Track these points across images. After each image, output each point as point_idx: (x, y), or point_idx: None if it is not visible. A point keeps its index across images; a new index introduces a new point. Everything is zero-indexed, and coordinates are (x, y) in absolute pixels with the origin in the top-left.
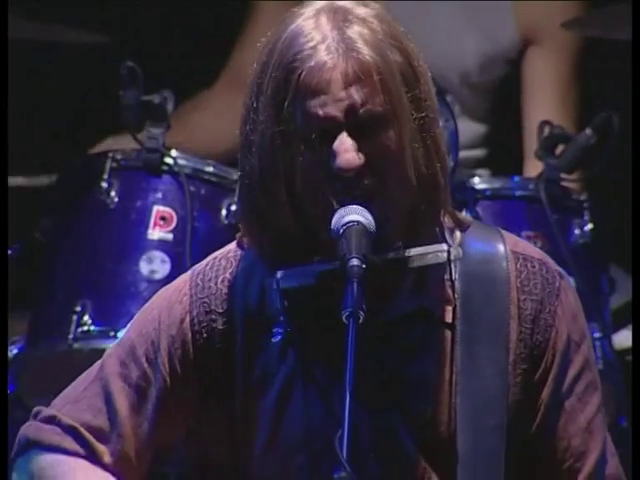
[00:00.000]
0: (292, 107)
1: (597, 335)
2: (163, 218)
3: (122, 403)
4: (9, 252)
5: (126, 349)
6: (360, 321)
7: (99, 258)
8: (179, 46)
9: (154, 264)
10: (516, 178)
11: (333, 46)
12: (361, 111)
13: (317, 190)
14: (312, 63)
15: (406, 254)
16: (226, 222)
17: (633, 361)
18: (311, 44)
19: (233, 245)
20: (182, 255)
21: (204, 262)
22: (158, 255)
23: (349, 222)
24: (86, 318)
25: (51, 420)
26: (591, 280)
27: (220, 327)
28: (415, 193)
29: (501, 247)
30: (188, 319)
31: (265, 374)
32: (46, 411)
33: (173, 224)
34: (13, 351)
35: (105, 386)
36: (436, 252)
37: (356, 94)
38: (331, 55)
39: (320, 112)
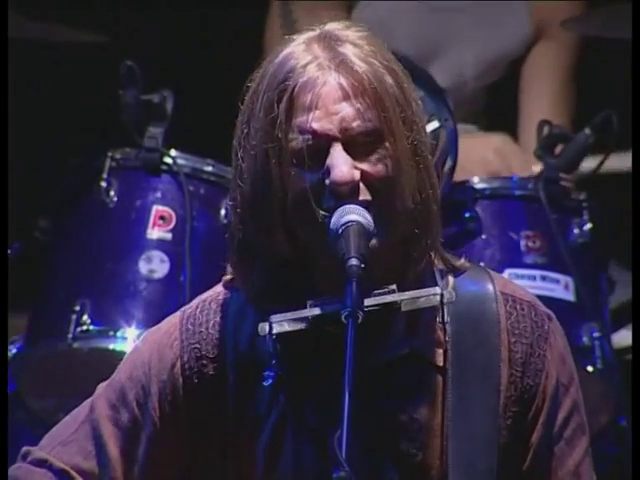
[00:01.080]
0: (285, 124)
1: (596, 335)
2: (162, 218)
3: (113, 447)
4: (9, 252)
5: (116, 392)
6: (359, 321)
7: (98, 258)
8: (178, 45)
9: (153, 263)
10: (515, 178)
11: (325, 63)
12: (355, 125)
13: (309, 209)
14: (304, 78)
15: (399, 297)
16: (225, 221)
17: (632, 360)
18: (302, 62)
19: (220, 287)
20: (181, 255)
21: (193, 304)
22: (157, 254)
23: (348, 222)
24: (85, 317)
25: (42, 464)
26: (590, 279)
27: (211, 372)
28: (409, 216)
29: (490, 288)
30: (179, 364)
31: (256, 417)
32: (36, 453)
33: (172, 224)
34: (13, 350)
35: (95, 429)
36: (429, 295)
37: (349, 108)
38: (322, 71)
39: (313, 127)
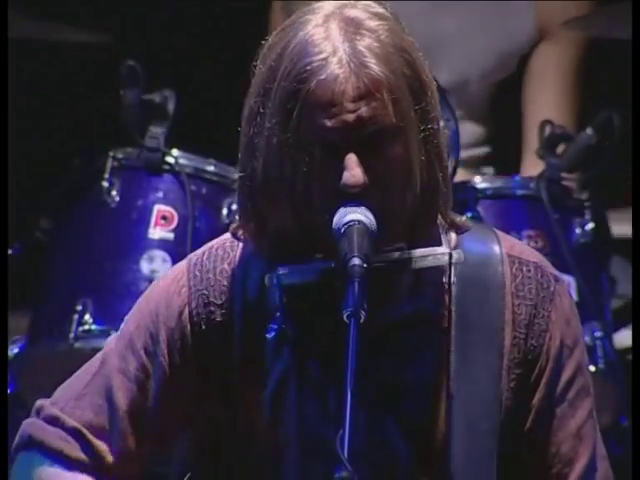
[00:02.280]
0: (300, 118)
1: (598, 334)
2: (164, 217)
3: (122, 398)
4: (10, 251)
5: (125, 342)
6: (361, 321)
7: (100, 257)
8: (180, 45)
9: (155, 263)
10: (517, 177)
11: (345, 59)
12: (369, 126)
13: (319, 202)
14: (323, 76)
15: (408, 255)
16: (227, 221)
17: (633, 360)
18: (322, 56)
19: (228, 235)
20: (183, 254)
21: (200, 252)
22: (159, 254)
23: (350, 221)
24: (87, 317)
25: (55, 422)
26: (592, 279)
27: (219, 319)
28: (417, 200)
29: (497, 249)
30: (187, 311)
31: (262, 368)
32: (49, 409)
33: (174, 223)
34: (14, 350)
35: (106, 382)
36: (437, 254)
37: (365, 108)
38: (343, 69)
39: (328, 125)
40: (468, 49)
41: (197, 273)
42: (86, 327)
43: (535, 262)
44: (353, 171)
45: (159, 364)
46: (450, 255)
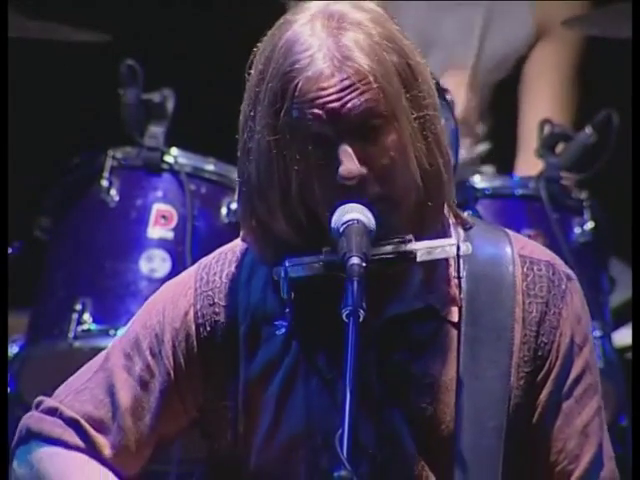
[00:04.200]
0: (289, 117)
1: (597, 333)
2: (163, 216)
3: (125, 395)
4: (9, 251)
5: (131, 341)
6: (360, 320)
7: (99, 256)
8: (179, 44)
9: (154, 262)
10: (516, 177)
11: (329, 55)
12: (359, 116)
13: (314, 200)
14: (309, 72)
15: (415, 247)
16: (226, 221)
17: (633, 359)
18: (308, 53)
19: (239, 240)
20: (182, 254)
21: (211, 256)
22: (158, 253)
23: (349, 220)
24: (86, 316)
25: (53, 412)
26: (591, 278)
27: (223, 320)
28: (419, 189)
29: (508, 250)
30: (192, 312)
31: (267, 366)
32: (48, 402)
33: (173, 222)
34: (13, 350)
35: (109, 378)
36: (445, 246)
37: (353, 100)
38: (327, 64)
39: (318, 119)
40: (465, 49)
41: (204, 275)
42: (85, 326)
43: (547, 260)
44: (348, 163)
45: (163, 365)
46: (458, 247)
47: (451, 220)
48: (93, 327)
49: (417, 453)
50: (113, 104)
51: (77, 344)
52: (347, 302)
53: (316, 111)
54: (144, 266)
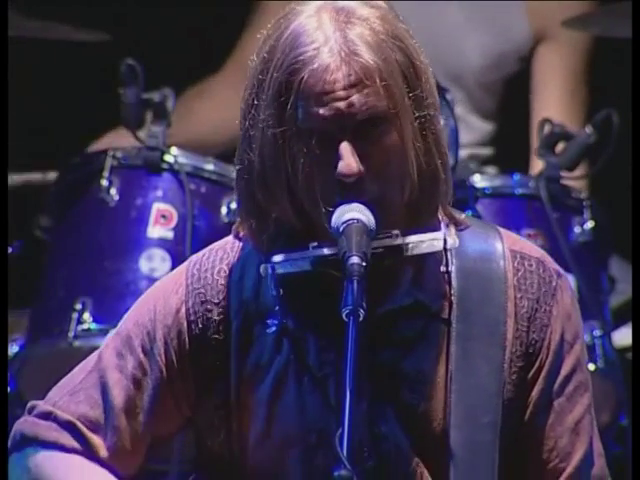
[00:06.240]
0: (294, 109)
1: (597, 333)
2: (163, 216)
3: (118, 395)
4: (9, 250)
5: (122, 340)
6: (360, 319)
7: (99, 256)
8: (179, 44)
9: (154, 262)
10: (516, 176)
11: (336, 48)
12: (362, 113)
13: (317, 192)
14: (315, 66)
15: (402, 241)
16: (226, 220)
17: (633, 359)
18: (314, 46)
19: (230, 237)
20: (182, 253)
21: (201, 253)
22: (158, 253)
23: (349, 220)
24: (86, 316)
25: (47, 416)
26: (591, 278)
27: (215, 317)
28: (415, 189)
29: (499, 245)
30: (184, 309)
31: (259, 365)
32: (42, 406)
33: (173, 222)
34: (13, 349)
35: (102, 378)
36: (432, 240)
37: (357, 96)
38: (334, 58)
39: (321, 114)
40: (462, 47)
41: (195, 272)
42: (85, 326)
43: (537, 257)
44: (348, 160)
45: (156, 363)
46: (445, 241)
47: (444, 220)
48: (93, 326)
49: (411, 450)
50: (113, 103)
51: (77, 343)
52: (347, 301)
53: (321, 110)
54: (144, 265)
